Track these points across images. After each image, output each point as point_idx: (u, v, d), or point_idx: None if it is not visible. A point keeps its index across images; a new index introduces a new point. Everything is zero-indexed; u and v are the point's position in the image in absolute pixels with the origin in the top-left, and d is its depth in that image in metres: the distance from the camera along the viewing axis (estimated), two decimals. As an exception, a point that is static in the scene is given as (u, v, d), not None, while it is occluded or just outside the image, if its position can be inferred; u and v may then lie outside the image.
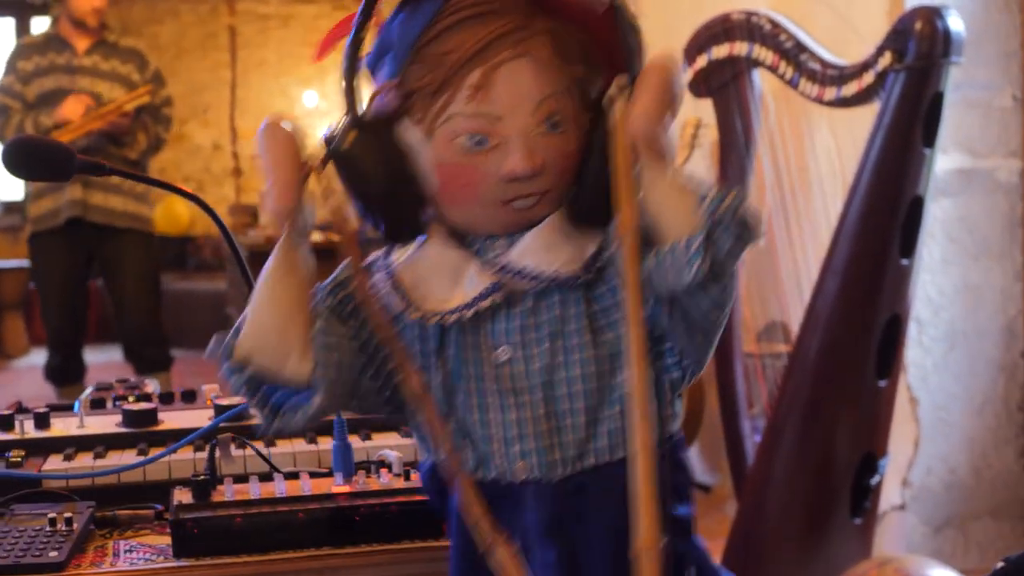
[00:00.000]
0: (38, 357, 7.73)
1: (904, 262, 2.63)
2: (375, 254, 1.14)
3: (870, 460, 2.72)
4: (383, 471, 1.26)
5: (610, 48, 1.08)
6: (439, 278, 1.09)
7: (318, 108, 9.17)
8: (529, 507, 1.08)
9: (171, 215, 8.74)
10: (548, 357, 1.08)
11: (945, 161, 3.15)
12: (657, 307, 1.08)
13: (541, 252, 1.08)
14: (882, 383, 2.69)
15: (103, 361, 6.60)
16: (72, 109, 4.74)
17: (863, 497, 2.74)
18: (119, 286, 5.06)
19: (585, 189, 1.08)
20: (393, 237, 1.10)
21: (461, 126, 1.05)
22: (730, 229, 1.02)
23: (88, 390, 1.76)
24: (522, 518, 1.09)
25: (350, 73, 1.07)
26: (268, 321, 1.07)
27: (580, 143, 1.07)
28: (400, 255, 1.12)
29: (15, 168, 1.41)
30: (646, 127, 1.01)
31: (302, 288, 1.07)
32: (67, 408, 1.65)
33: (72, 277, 5.04)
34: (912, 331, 3.13)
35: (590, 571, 1.09)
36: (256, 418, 1.10)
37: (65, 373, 5.11)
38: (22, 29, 8.99)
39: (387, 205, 1.07)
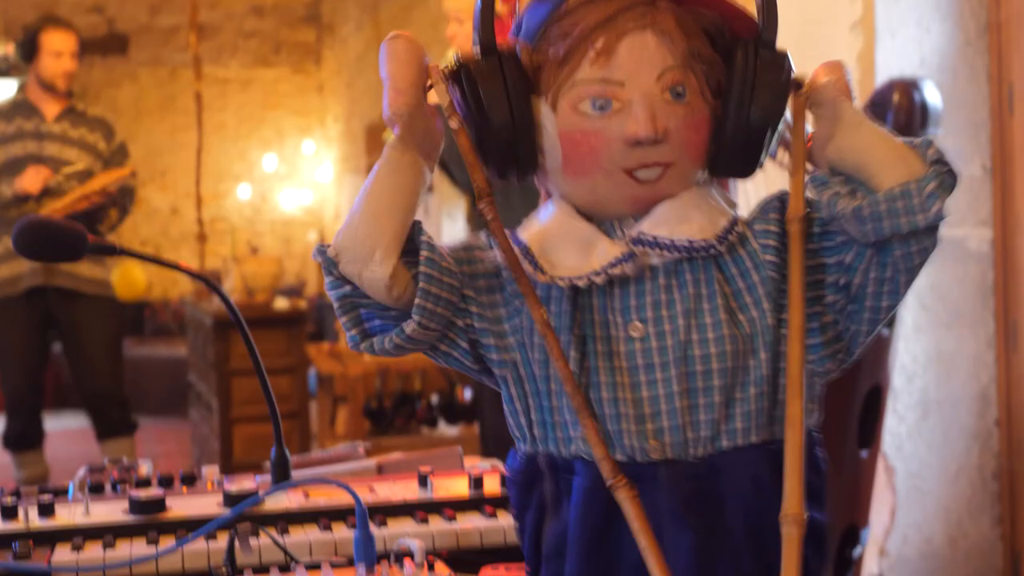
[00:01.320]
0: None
1: (884, 332, 2.65)
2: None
3: (852, 531, 2.72)
4: (406, 561, 1.24)
5: (739, 31, 1.10)
6: (569, 246, 1.09)
7: (277, 172, 9.17)
8: (662, 488, 1.06)
9: (128, 280, 8.62)
10: (683, 333, 1.07)
11: (917, 230, 3.18)
12: (850, 266, 1.08)
13: (673, 223, 1.07)
14: (863, 453, 2.70)
15: (66, 427, 6.52)
16: (31, 181, 4.71)
17: (846, 569, 2.73)
18: (82, 350, 5.01)
19: (723, 148, 1.09)
20: (502, 173, 1.10)
21: (585, 91, 1.06)
22: (948, 172, 1.05)
23: (81, 472, 1.73)
24: (654, 500, 1.06)
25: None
26: (361, 215, 1.08)
27: (706, 121, 1.08)
28: (527, 229, 1.12)
29: (27, 250, 1.40)
30: (832, 75, 1.08)
31: (402, 191, 1.08)
32: (63, 492, 1.61)
33: (32, 343, 4.99)
34: (887, 399, 3.15)
35: (725, 555, 1.07)
36: (264, 504, 1.08)
37: (25, 440, 5.04)
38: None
39: (506, 136, 1.08)
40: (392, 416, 4.78)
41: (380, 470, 1.62)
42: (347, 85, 8.85)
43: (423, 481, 1.48)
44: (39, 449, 5.05)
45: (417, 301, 1.07)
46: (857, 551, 2.74)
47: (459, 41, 3.73)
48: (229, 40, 9.31)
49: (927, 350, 3.29)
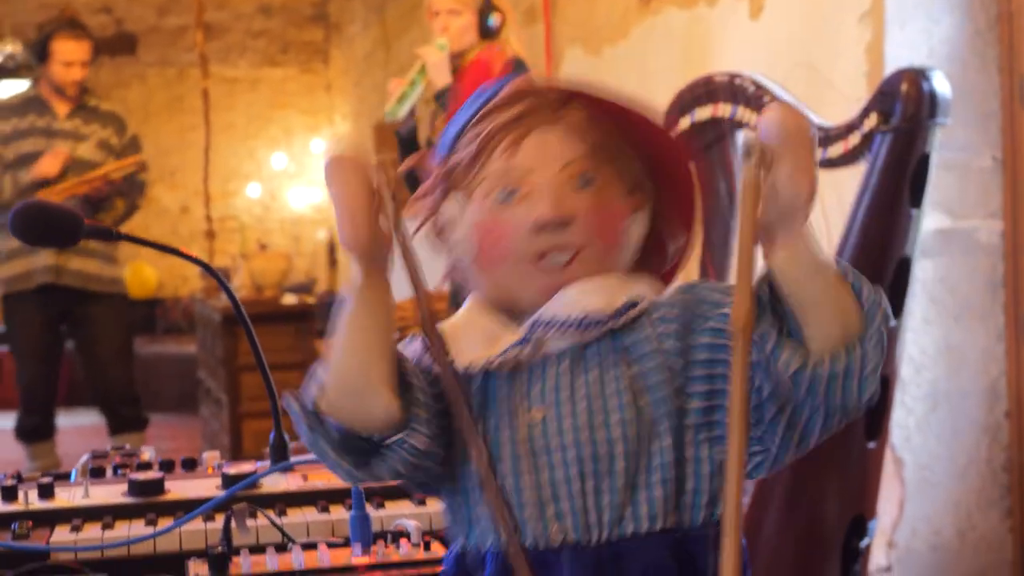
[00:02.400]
0: (1, 421, 7.63)
1: (892, 323, 2.63)
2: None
3: (860, 522, 2.70)
4: (402, 541, 1.23)
5: (647, 146, 1.12)
6: (476, 338, 1.10)
7: (286, 170, 9.18)
8: (565, 573, 1.05)
9: (139, 278, 8.69)
10: (583, 417, 1.06)
11: (926, 222, 3.16)
12: (762, 401, 1.05)
13: (570, 303, 1.08)
14: (871, 445, 2.68)
15: (78, 423, 6.53)
16: (49, 165, 4.76)
17: (853, 560, 2.72)
18: (94, 347, 5.06)
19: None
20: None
21: (493, 183, 1.09)
22: (884, 317, 1.02)
23: (84, 457, 1.73)
24: None
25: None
26: (354, 365, 1.05)
27: (620, 211, 1.10)
28: (446, 322, 1.13)
29: (23, 233, 1.39)
30: (799, 192, 0.97)
31: (386, 327, 1.06)
32: (64, 476, 1.61)
33: (46, 337, 5.06)
34: (896, 391, 3.13)
35: None
36: (261, 487, 1.08)
37: (37, 432, 5.10)
38: (-11, 91, 8.97)
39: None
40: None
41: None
42: (355, 84, 8.86)
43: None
44: (51, 441, 5.12)
45: (424, 430, 1.07)
46: (864, 542, 2.73)
47: (452, 32, 3.73)
48: (237, 40, 9.32)
49: (936, 342, 3.27)
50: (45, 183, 4.73)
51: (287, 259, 5.84)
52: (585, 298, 1.07)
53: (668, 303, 1.09)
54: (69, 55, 4.87)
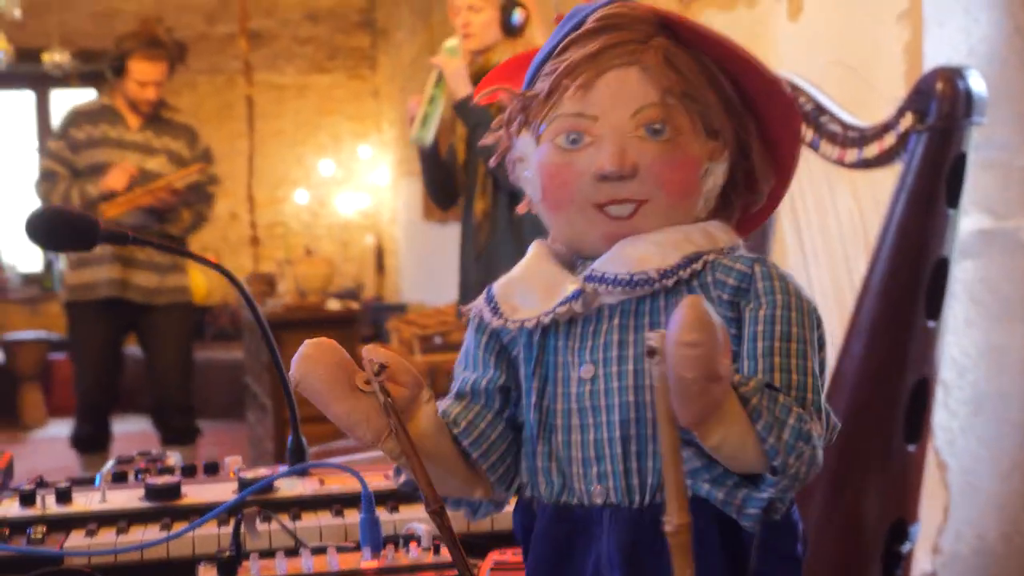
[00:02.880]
0: (56, 428, 7.72)
1: (931, 324, 2.60)
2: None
3: (901, 526, 2.67)
4: (412, 545, 1.23)
5: (737, 81, 1.09)
6: (535, 288, 1.09)
7: (334, 177, 9.21)
8: (605, 534, 1.05)
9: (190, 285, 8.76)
10: (632, 377, 1.04)
11: (966, 222, 3.13)
12: None
13: (624, 257, 1.06)
14: (911, 448, 2.65)
15: (129, 431, 6.59)
16: (116, 179, 4.78)
17: (895, 565, 2.69)
18: (155, 357, 5.10)
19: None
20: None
21: (562, 125, 1.07)
22: (796, 481, 1.00)
23: (109, 463, 1.74)
24: (598, 546, 1.05)
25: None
26: (443, 487, 1.07)
27: (694, 160, 1.07)
28: (505, 276, 1.13)
29: (38, 239, 1.40)
30: (686, 418, 0.90)
31: (431, 457, 1.06)
32: (89, 482, 1.62)
33: (108, 348, 5.09)
34: (938, 394, 3.10)
35: None
36: (279, 491, 1.08)
37: (93, 442, 5.15)
38: (41, 101, 9.07)
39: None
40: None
41: (399, 458, 1.62)
42: (401, 90, 8.88)
43: (438, 468, 1.47)
44: (105, 452, 5.14)
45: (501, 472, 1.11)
46: (906, 547, 2.70)
47: (473, 29, 3.68)
48: (284, 47, 9.37)
49: (978, 344, 3.23)
50: (111, 195, 4.77)
51: (331, 264, 5.86)
52: (638, 253, 1.05)
53: (729, 267, 1.05)
54: (144, 75, 4.90)
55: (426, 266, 8.06)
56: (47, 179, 4.92)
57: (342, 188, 9.32)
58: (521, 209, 1.16)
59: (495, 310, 1.10)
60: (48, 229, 1.40)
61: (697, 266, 1.05)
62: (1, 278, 8.92)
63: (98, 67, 4.98)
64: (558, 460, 1.07)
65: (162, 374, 5.12)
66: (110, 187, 4.77)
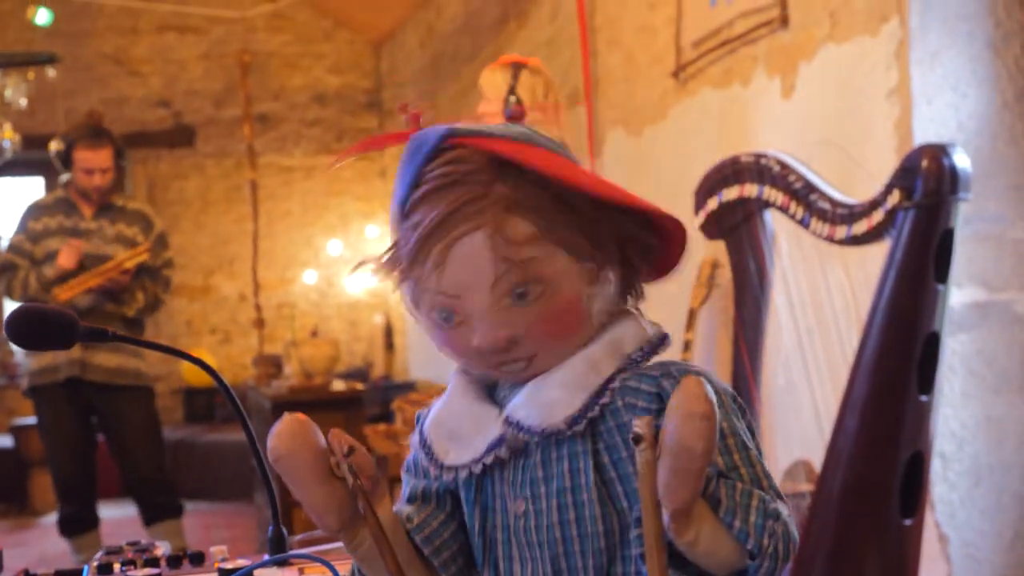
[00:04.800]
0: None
1: (923, 398, 2.61)
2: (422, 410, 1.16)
3: (900, 602, 2.67)
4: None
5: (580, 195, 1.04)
6: (461, 428, 1.10)
7: (342, 256, 9.27)
8: None
9: (199, 368, 8.76)
10: (556, 514, 1.06)
11: (960, 295, 3.15)
12: None
13: (537, 405, 1.06)
14: (908, 522, 2.65)
15: (122, 516, 6.59)
16: (66, 258, 4.90)
17: (895, 640, 2.68)
18: (122, 440, 5.14)
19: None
20: None
21: (431, 301, 1.06)
22: (776, 561, 0.99)
23: (97, 554, 1.75)
24: None
25: None
26: None
27: (572, 300, 1.05)
28: (433, 411, 1.13)
29: (19, 339, 1.42)
30: (678, 499, 0.93)
31: (397, 547, 1.07)
32: (76, 573, 1.63)
33: (75, 429, 5.12)
34: (937, 467, 3.10)
35: None
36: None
37: (77, 524, 5.17)
38: (50, 187, 9.15)
39: None
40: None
41: (381, 545, 1.63)
42: (409, 169, 8.95)
43: (417, 555, 1.48)
44: (94, 533, 5.16)
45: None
46: (905, 622, 2.69)
47: (489, 119, 3.77)
48: (292, 129, 9.46)
49: (976, 416, 3.23)
50: (65, 277, 4.85)
51: (336, 345, 5.88)
52: (549, 399, 1.05)
53: (636, 389, 1.05)
54: (88, 163, 5.00)
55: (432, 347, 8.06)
56: (7, 271, 5.05)
57: (350, 268, 9.38)
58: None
59: (429, 454, 1.11)
60: (28, 328, 1.43)
61: (605, 399, 1.05)
62: (10, 364, 8.95)
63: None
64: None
65: (131, 455, 5.14)
66: (62, 266, 4.88)
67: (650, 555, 0.94)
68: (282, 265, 9.29)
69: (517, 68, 3.68)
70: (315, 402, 5.29)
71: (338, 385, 5.64)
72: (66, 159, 5.09)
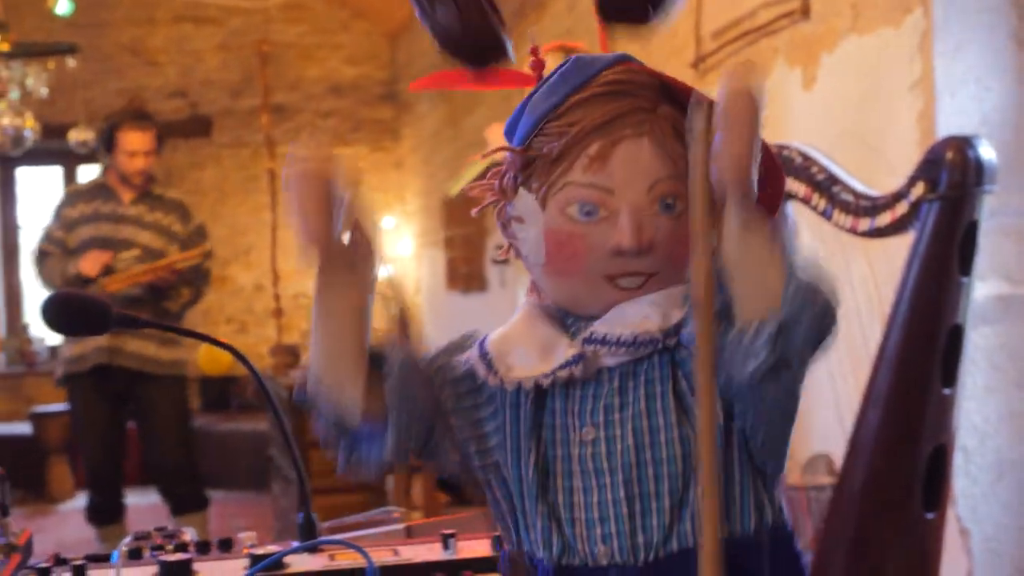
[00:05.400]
0: (82, 501, 7.73)
1: (946, 392, 2.60)
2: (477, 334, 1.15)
3: (921, 596, 2.66)
4: (418, 621, 1.24)
5: None
6: (528, 348, 1.10)
7: (358, 247, 9.26)
8: None
9: (213, 356, 8.79)
10: (632, 438, 1.05)
11: (984, 288, 3.13)
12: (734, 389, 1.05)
13: (625, 320, 1.07)
14: (930, 515, 2.64)
15: (147, 503, 6.59)
16: (90, 265, 4.86)
17: (916, 634, 2.67)
18: (151, 428, 5.13)
19: None
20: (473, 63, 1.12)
21: (574, 195, 1.06)
22: (811, 320, 0.99)
23: (127, 539, 1.76)
24: None
25: None
26: (316, 350, 1.09)
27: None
28: (497, 331, 1.13)
29: (52, 324, 1.43)
30: (737, 166, 0.96)
31: (341, 316, 1.09)
32: (105, 558, 1.64)
33: (106, 418, 5.12)
34: (959, 460, 3.09)
35: None
36: (289, 567, 1.10)
37: (105, 513, 5.18)
38: (69, 177, 9.19)
39: (468, 20, 1.10)
40: (465, 486, 4.77)
41: (409, 533, 1.63)
42: (424, 161, 8.96)
43: (446, 543, 1.49)
44: (120, 523, 5.16)
45: (390, 429, 1.09)
46: (926, 616, 2.68)
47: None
48: (308, 120, 9.47)
49: (999, 410, 3.22)
50: (88, 280, 4.84)
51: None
52: (639, 315, 1.06)
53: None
54: (133, 145, 5.00)
55: (449, 334, 8.06)
56: (41, 260, 5.06)
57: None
58: (501, 255, 1.16)
59: (489, 366, 1.10)
60: (61, 314, 1.44)
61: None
62: (29, 351, 8.98)
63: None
64: (558, 521, 1.07)
65: (161, 446, 5.15)
66: (83, 271, 4.87)
67: (696, 245, 0.95)
68: (297, 255, 9.29)
69: (567, 53, 3.62)
70: (333, 392, 5.28)
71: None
72: (108, 142, 5.07)
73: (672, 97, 1.08)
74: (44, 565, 1.46)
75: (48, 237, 5.09)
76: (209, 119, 9.32)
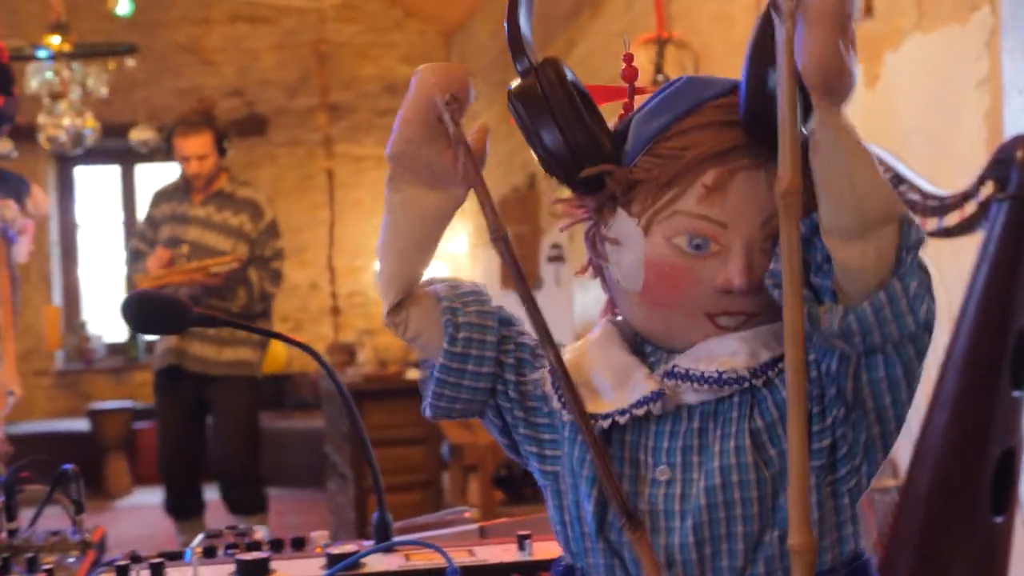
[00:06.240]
0: (140, 497, 7.82)
1: (1016, 394, 2.57)
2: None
3: (989, 600, 2.63)
4: (498, 622, 1.23)
5: None
6: (606, 376, 1.06)
7: (412, 246, 9.28)
8: None
9: (269, 354, 8.84)
10: (704, 480, 1.01)
11: (1052, 288, 3.09)
12: (828, 395, 1.01)
13: (711, 356, 1.02)
14: (998, 519, 2.61)
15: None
16: (153, 263, 4.98)
17: (984, 637, 2.64)
18: (216, 429, 5.21)
19: None
20: (574, 183, 1.07)
21: (684, 225, 1.01)
22: (912, 235, 0.95)
23: (199, 537, 1.77)
24: None
25: (512, 14, 1.06)
26: (379, 256, 1.09)
27: None
28: (573, 350, 1.10)
29: (132, 321, 1.44)
30: (826, 57, 0.88)
31: (396, 229, 1.08)
32: (178, 556, 1.65)
33: (177, 417, 5.20)
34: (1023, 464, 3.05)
35: None
36: (365, 566, 1.09)
37: (181, 509, 5.27)
38: (127, 176, 9.28)
39: (562, 158, 1.04)
40: (521, 484, 4.78)
41: (483, 533, 1.63)
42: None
43: (521, 544, 1.48)
44: (198, 518, 5.22)
45: (432, 389, 1.10)
46: (995, 620, 2.65)
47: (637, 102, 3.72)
48: (363, 118, 9.50)
49: (1066, 413, 3.18)
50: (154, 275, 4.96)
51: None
52: (726, 352, 1.02)
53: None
54: (182, 151, 5.08)
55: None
56: (132, 258, 5.23)
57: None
58: (579, 273, 1.13)
59: (561, 399, 1.06)
60: (141, 313, 1.45)
61: (783, 366, 1.00)
62: (87, 348, 9.07)
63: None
64: (621, 560, 1.04)
65: (223, 446, 5.22)
66: (147, 268, 5.00)
67: (784, 138, 0.89)
68: (352, 254, 9.33)
69: (662, 44, 3.45)
70: (390, 390, 5.32)
71: (413, 373, 5.66)
72: (168, 149, 5.18)
73: None
74: (122, 563, 1.47)
75: (140, 236, 5.23)
76: (265, 118, 9.37)
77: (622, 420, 1.04)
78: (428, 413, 1.12)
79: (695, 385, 1.02)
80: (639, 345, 1.08)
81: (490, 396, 1.11)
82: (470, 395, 1.10)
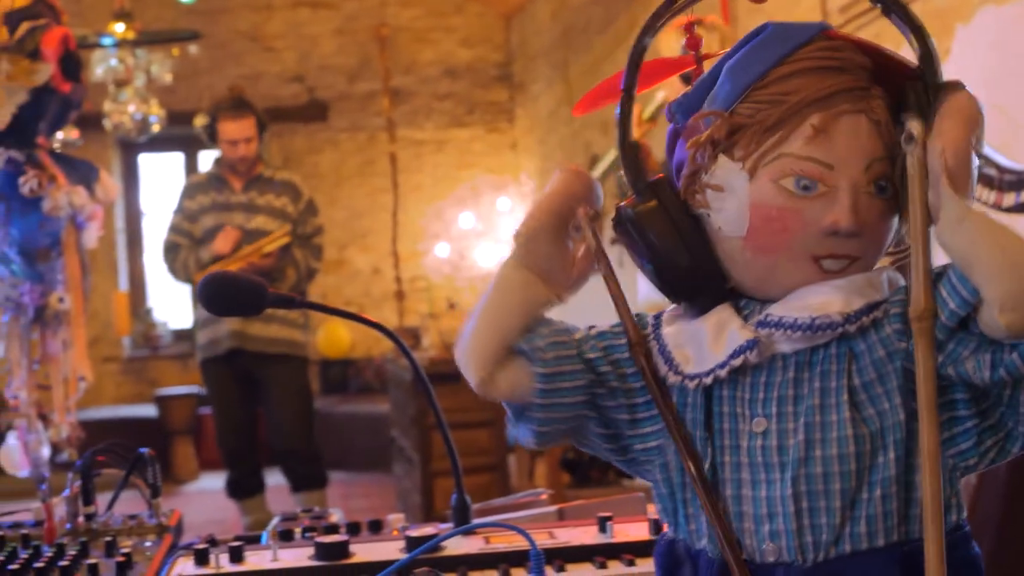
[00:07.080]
0: (207, 481, 7.90)
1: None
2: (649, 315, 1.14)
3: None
4: (582, 605, 1.22)
5: None
6: (702, 337, 1.06)
7: (474, 229, 9.30)
8: None
9: (333, 339, 8.90)
10: (803, 433, 1.02)
11: None
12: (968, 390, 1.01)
13: (804, 302, 1.03)
14: (1079, 499, 2.56)
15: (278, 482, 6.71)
16: (222, 243, 5.10)
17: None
18: (273, 407, 5.33)
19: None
20: (693, 304, 1.09)
21: (791, 167, 1.02)
22: None
23: (275, 520, 1.77)
24: None
25: (624, 137, 1.10)
26: (472, 325, 1.12)
27: (894, 217, 1.05)
28: (670, 319, 1.11)
29: (211, 304, 1.44)
30: (957, 155, 0.96)
31: (503, 309, 1.10)
32: (254, 540, 1.65)
33: (238, 400, 5.35)
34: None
35: None
36: (444, 549, 1.09)
37: (242, 488, 5.39)
38: (190, 163, 9.34)
39: (689, 278, 1.07)
40: (588, 467, 4.77)
41: (561, 516, 1.61)
42: (539, 142, 8.94)
43: (603, 526, 1.47)
44: (259, 497, 5.37)
45: (537, 416, 1.10)
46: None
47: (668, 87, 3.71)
48: (424, 103, 9.51)
49: None
50: (220, 258, 5.02)
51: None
52: (819, 299, 1.02)
53: (896, 301, 1.03)
54: (231, 134, 5.17)
55: (567, 315, 8.07)
56: (170, 251, 5.30)
57: (482, 240, 9.40)
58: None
59: (669, 362, 1.07)
60: (220, 295, 1.45)
61: (879, 314, 1.02)
62: (153, 335, 9.17)
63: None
64: (724, 515, 1.05)
65: (280, 424, 5.34)
66: (218, 250, 5.09)
67: (916, 253, 0.96)
68: (413, 238, 9.36)
69: (690, 27, 3.54)
70: (454, 374, 5.30)
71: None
72: (212, 133, 5.22)
73: (882, 77, 1.05)
74: (201, 546, 1.47)
75: (176, 229, 5.29)
76: (326, 104, 9.41)
77: (723, 374, 1.05)
78: (533, 441, 1.13)
79: (788, 332, 1.03)
80: (734, 299, 1.09)
81: (590, 407, 1.11)
82: (568, 412, 1.11)
